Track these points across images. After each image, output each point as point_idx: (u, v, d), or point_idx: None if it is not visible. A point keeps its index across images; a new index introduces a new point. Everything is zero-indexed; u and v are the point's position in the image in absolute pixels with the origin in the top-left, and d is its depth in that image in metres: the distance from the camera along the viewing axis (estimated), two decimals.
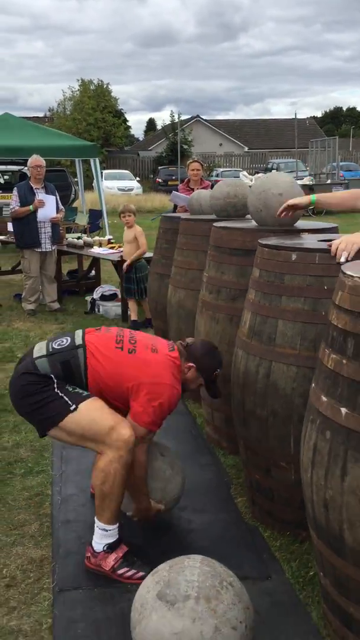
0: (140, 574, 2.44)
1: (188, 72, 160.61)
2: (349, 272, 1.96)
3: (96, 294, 7.41)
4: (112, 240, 8.33)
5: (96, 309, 7.33)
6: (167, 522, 2.88)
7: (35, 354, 2.60)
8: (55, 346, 2.60)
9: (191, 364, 2.68)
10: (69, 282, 8.56)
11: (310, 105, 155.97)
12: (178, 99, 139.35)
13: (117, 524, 2.54)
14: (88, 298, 7.57)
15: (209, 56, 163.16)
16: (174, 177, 27.26)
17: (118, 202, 18.06)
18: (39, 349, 2.62)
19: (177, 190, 7.03)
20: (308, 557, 2.60)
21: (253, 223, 3.57)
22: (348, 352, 1.90)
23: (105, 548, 2.52)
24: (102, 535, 2.52)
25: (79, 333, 2.69)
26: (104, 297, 7.32)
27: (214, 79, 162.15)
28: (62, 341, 2.63)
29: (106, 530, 2.52)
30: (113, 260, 7.20)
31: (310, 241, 2.80)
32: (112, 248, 7.74)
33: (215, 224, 3.59)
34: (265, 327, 2.67)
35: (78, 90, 38.42)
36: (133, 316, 6.59)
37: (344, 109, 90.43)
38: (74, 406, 2.47)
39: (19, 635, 2.23)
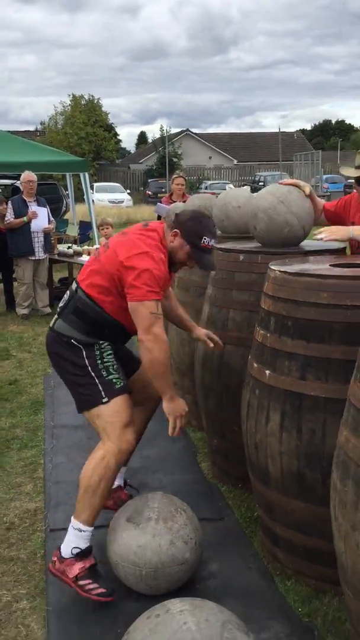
0: (101, 590, 2.38)
1: (180, 86, 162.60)
2: (273, 267, 2.54)
3: None
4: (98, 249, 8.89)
5: None
6: (143, 482, 3.43)
7: (52, 323, 2.71)
8: (61, 304, 2.71)
9: (175, 230, 2.63)
10: (60, 289, 9.11)
11: (300, 117, 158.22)
12: (170, 112, 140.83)
13: (92, 528, 2.49)
14: None
15: (200, 70, 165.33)
16: (163, 190, 27.93)
17: (108, 214, 18.60)
18: (54, 319, 2.72)
19: (161, 202, 7.63)
20: (254, 504, 3.16)
21: (218, 232, 4.15)
22: (270, 327, 2.48)
23: (74, 553, 2.45)
24: (75, 537, 2.46)
25: (74, 283, 2.74)
26: None
27: (205, 93, 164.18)
28: (64, 297, 2.72)
29: (80, 531, 2.46)
30: None
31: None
32: None
33: None
34: (220, 315, 3.25)
35: (69, 104, 39.21)
36: None
37: (333, 121, 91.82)
38: (106, 399, 2.52)
39: (17, 561, 2.78)
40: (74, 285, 2.69)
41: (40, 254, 7.80)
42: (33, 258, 7.78)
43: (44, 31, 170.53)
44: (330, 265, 2.58)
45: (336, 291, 2.26)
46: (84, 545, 2.45)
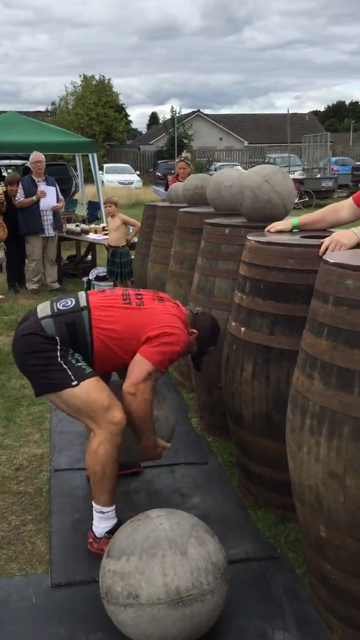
0: None
1: (192, 66, 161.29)
2: (249, 237, 2.89)
3: (92, 275, 8.36)
4: (106, 228, 9.25)
5: (91, 288, 8.27)
6: None
7: (40, 314, 2.63)
8: (60, 307, 2.64)
9: (194, 330, 2.83)
10: (68, 265, 9.51)
11: (314, 99, 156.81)
12: (182, 92, 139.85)
13: (114, 506, 2.62)
14: (84, 279, 8.52)
15: (213, 50, 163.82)
16: (172, 171, 28.08)
17: (118, 195, 18.88)
18: (43, 309, 2.66)
19: (168, 182, 7.99)
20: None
21: (212, 209, 4.50)
22: (246, 290, 2.84)
23: (106, 534, 2.59)
24: (100, 519, 2.60)
25: (82, 295, 2.72)
26: (98, 278, 8.26)
27: (218, 73, 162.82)
28: (67, 302, 2.66)
29: (103, 513, 2.60)
30: (106, 244, 8.15)
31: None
32: (106, 235, 8.67)
33: (180, 209, 4.53)
34: (207, 283, 3.61)
35: (80, 85, 39.32)
36: None
37: (347, 103, 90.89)
38: (75, 382, 2.52)
39: (25, 495, 3.18)
40: (82, 301, 2.66)
41: (49, 231, 8.17)
42: (43, 235, 8.15)
43: (57, 10, 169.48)
44: (302, 237, 2.92)
45: (300, 258, 2.61)
46: (111, 523, 2.60)
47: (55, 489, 3.20)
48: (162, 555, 2.04)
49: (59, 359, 2.56)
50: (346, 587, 2.07)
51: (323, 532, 2.08)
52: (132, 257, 7.33)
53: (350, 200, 2.77)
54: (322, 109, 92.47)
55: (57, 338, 2.57)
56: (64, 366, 2.55)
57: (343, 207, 2.80)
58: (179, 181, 7.85)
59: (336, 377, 1.98)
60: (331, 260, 2.08)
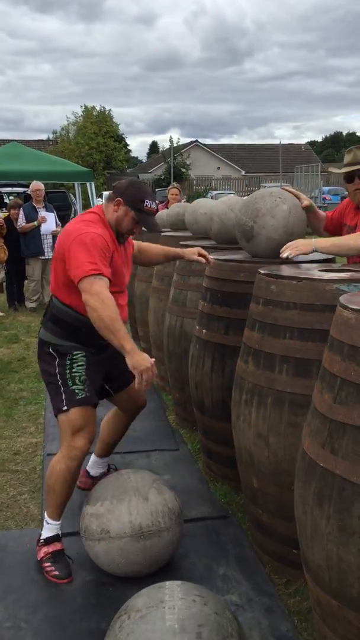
0: (55, 572, 2.66)
1: (193, 96, 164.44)
2: (211, 257, 3.50)
3: None
4: None
5: None
6: None
7: (38, 332, 2.92)
8: (44, 315, 2.92)
9: (117, 199, 2.72)
10: None
11: (313, 129, 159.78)
12: (182, 122, 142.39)
13: (58, 522, 2.77)
14: None
15: (214, 80, 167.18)
16: None
17: None
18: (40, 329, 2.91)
19: (157, 210, 8.61)
20: None
21: (189, 233, 5.13)
22: (207, 299, 3.44)
23: (42, 541, 2.77)
24: (45, 527, 2.78)
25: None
26: None
27: (218, 103, 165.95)
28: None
29: (47, 523, 2.77)
30: None
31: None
32: None
33: (162, 234, 5.15)
34: (181, 296, 4.22)
35: (81, 115, 40.52)
36: None
37: (344, 133, 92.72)
38: (65, 407, 2.69)
39: (21, 473, 3.74)
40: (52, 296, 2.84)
41: (49, 253, 8.81)
42: (42, 258, 8.79)
43: (60, 40, 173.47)
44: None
45: (249, 272, 3.21)
46: (48, 534, 2.76)
47: (47, 468, 3.76)
48: (129, 500, 2.60)
49: (58, 377, 2.72)
50: (272, 527, 2.63)
51: (255, 483, 2.65)
52: None
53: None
54: (320, 139, 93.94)
55: (51, 350, 2.75)
56: (61, 388, 2.71)
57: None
58: (168, 208, 8.50)
59: (263, 360, 2.57)
60: (262, 272, 2.68)
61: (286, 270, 2.69)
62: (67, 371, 2.72)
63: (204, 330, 3.44)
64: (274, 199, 3.26)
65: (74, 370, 2.73)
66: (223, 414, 3.35)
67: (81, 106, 45.03)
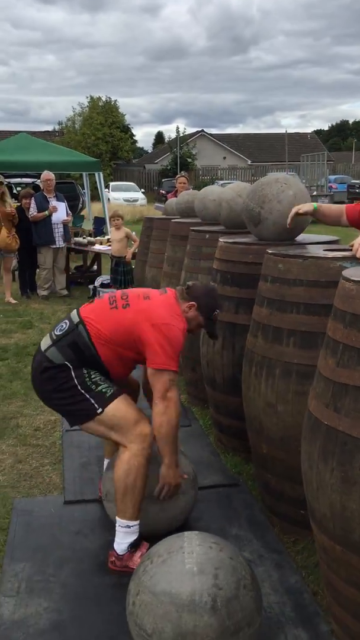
0: None
1: (198, 85, 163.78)
2: (221, 239, 3.67)
3: (97, 283, 9.17)
4: (110, 240, 10.08)
5: (97, 294, 9.08)
6: None
7: (43, 347, 2.72)
8: (58, 332, 2.72)
9: (192, 303, 2.81)
10: (75, 275, 10.33)
11: (319, 117, 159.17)
12: (188, 111, 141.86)
13: (139, 521, 2.62)
14: (90, 286, 9.33)
15: (219, 69, 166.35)
16: (175, 189, 29.02)
17: (123, 211, 19.86)
18: (45, 342, 2.74)
19: (167, 198, 8.82)
20: None
21: (199, 219, 5.30)
22: (217, 280, 3.62)
23: (129, 548, 2.62)
24: (125, 534, 2.61)
25: (74, 313, 2.78)
26: (103, 285, 9.07)
27: (224, 92, 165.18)
28: (62, 326, 2.73)
29: (129, 527, 2.61)
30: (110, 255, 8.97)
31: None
32: (109, 246, 9.49)
33: (172, 220, 5.33)
34: (192, 279, 4.39)
35: (87, 106, 40.59)
36: None
37: (350, 122, 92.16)
38: (100, 410, 2.60)
39: (42, 447, 3.94)
40: (75, 318, 2.72)
41: (60, 242, 9.01)
42: (54, 246, 8.98)
43: (65, 31, 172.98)
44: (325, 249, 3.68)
45: (257, 253, 3.38)
46: (134, 537, 2.62)
47: (66, 442, 3.97)
48: None
49: (79, 387, 2.62)
50: (281, 489, 2.82)
51: (264, 449, 2.84)
52: (133, 266, 8.14)
53: (344, 210, 3.06)
54: (326, 127, 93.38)
55: (67, 363, 2.64)
56: (86, 395, 2.61)
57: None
58: (177, 197, 8.68)
59: (272, 334, 2.75)
60: (270, 251, 2.86)
61: (293, 250, 2.87)
62: (87, 379, 2.65)
63: None
64: (279, 185, 3.43)
65: (92, 376, 2.67)
66: (233, 389, 3.53)
67: (87, 97, 45.14)
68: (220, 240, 3.67)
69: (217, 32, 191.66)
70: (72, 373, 2.63)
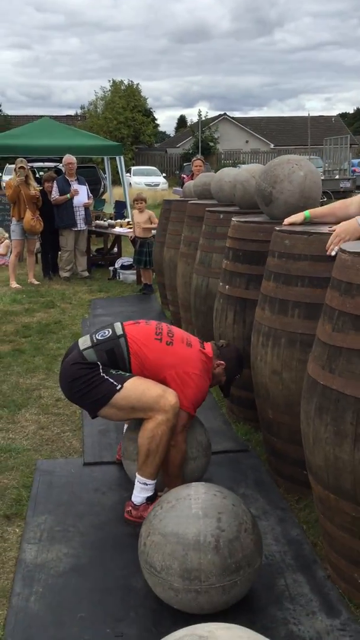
0: None
1: (222, 68, 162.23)
2: (233, 219, 3.84)
3: (117, 265, 9.38)
4: (130, 223, 10.27)
5: (117, 276, 9.30)
6: None
7: (82, 346, 2.89)
8: (99, 337, 2.89)
9: (222, 362, 3.05)
10: (96, 257, 10.56)
11: (345, 100, 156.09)
12: (211, 95, 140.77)
13: (155, 480, 2.84)
14: (111, 268, 9.55)
15: (243, 52, 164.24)
16: None
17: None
18: (84, 342, 2.92)
19: (184, 181, 8.97)
20: None
21: (215, 201, 5.46)
22: (230, 257, 3.79)
23: (146, 500, 2.84)
24: (142, 489, 2.83)
25: (118, 325, 2.96)
26: (123, 267, 9.28)
27: (248, 75, 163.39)
28: (105, 333, 2.91)
29: (146, 485, 2.82)
30: (131, 237, 9.15)
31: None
32: (130, 229, 9.69)
33: (189, 202, 5.49)
34: (207, 258, 4.57)
35: (109, 90, 40.64)
36: (145, 280, 8.52)
37: None
38: (119, 386, 2.74)
39: (63, 415, 4.17)
40: (119, 330, 2.91)
41: (81, 225, 9.22)
42: (75, 229, 9.20)
43: (88, 14, 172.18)
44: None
45: (267, 232, 3.54)
46: (151, 493, 2.86)
47: (87, 427, 4.19)
48: None
49: (101, 373, 2.80)
50: (285, 452, 3.01)
51: (270, 414, 3.03)
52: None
53: (359, 197, 2.95)
54: (351, 111, 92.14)
55: (99, 363, 2.82)
56: (106, 377, 2.78)
57: (352, 202, 2.95)
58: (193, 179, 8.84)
59: (278, 306, 2.93)
60: (277, 228, 3.02)
61: (299, 227, 3.03)
62: (110, 370, 2.83)
63: (227, 286, 3.80)
64: (291, 166, 3.57)
65: (116, 370, 2.85)
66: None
67: (109, 80, 45.15)
68: (233, 219, 3.83)
69: (242, 14, 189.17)
70: (100, 369, 2.82)
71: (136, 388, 2.75)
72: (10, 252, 9.49)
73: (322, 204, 3.46)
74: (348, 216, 2.82)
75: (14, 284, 8.75)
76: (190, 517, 2.18)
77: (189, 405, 2.84)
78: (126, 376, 2.79)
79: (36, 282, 8.98)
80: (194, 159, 9.09)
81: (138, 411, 2.77)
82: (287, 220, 3.14)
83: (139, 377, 2.80)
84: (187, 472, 2.98)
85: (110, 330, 2.91)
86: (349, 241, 2.55)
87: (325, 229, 2.98)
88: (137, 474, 2.84)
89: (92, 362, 2.80)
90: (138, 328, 2.93)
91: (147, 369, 2.84)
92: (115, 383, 2.75)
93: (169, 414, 2.73)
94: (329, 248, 2.65)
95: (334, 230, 2.64)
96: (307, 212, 3.13)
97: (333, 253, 2.59)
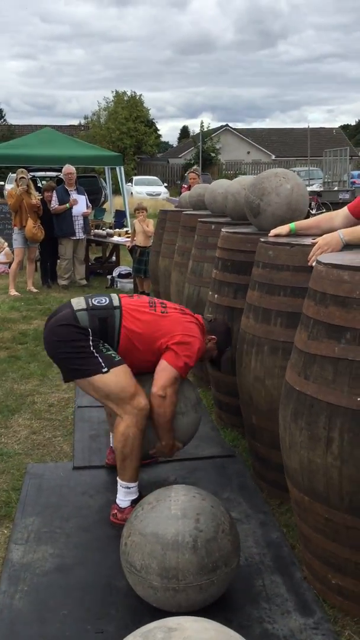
0: None
1: (225, 79, 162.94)
2: (223, 230, 3.93)
3: (115, 273, 9.48)
4: (128, 233, 10.38)
5: (115, 285, 9.40)
6: None
7: (75, 306, 2.87)
8: (95, 303, 2.89)
9: (213, 337, 3.16)
10: (94, 265, 10.66)
11: (347, 112, 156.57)
12: (214, 106, 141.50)
13: (137, 482, 2.90)
14: (109, 276, 9.65)
15: (246, 63, 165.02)
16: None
17: (145, 205, 20.22)
18: (78, 302, 2.90)
19: (181, 191, 9.10)
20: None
21: (209, 212, 5.56)
22: (219, 267, 3.88)
23: (130, 503, 2.88)
24: (126, 493, 2.89)
25: (115, 296, 2.99)
26: (121, 275, 9.38)
27: (251, 86, 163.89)
28: (102, 300, 2.92)
29: (129, 488, 2.88)
30: (128, 246, 9.26)
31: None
32: (127, 238, 9.79)
33: (184, 212, 5.60)
34: (198, 268, 4.66)
35: (112, 100, 40.97)
36: (143, 289, 8.62)
37: None
38: (106, 369, 2.75)
39: (56, 420, 4.26)
40: (115, 302, 2.93)
41: (80, 234, 9.33)
42: (74, 238, 9.31)
43: (93, 25, 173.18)
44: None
45: (254, 243, 3.64)
46: (135, 496, 2.90)
47: (78, 417, 4.28)
48: (149, 386, 2.88)
49: (91, 347, 2.78)
50: (268, 457, 3.09)
51: (254, 420, 3.11)
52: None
53: (345, 209, 2.93)
54: (354, 122, 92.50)
55: (90, 329, 2.80)
56: (95, 354, 2.77)
57: (338, 215, 2.96)
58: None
59: (261, 315, 3.02)
60: (262, 240, 3.11)
61: (283, 238, 3.12)
62: (100, 345, 2.82)
63: (215, 295, 3.89)
64: (278, 179, 3.67)
65: (105, 346, 2.84)
66: (231, 368, 3.80)
67: (112, 91, 45.51)
68: (223, 230, 3.93)
69: (245, 26, 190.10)
70: (90, 337, 2.80)
71: (118, 381, 2.77)
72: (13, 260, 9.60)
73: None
74: (332, 229, 2.86)
75: (12, 292, 8.85)
76: (169, 517, 2.26)
77: (182, 365, 2.86)
78: (115, 361, 2.80)
79: (35, 290, 9.08)
80: (189, 171, 9.24)
81: (110, 401, 2.81)
82: (273, 232, 3.21)
83: (124, 368, 2.81)
84: (176, 428, 2.95)
85: (107, 299, 2.94)
86: (329, 253, 2.63)
87: (308, 240, 3.07)
88: (118, 479, 2.92)
89: (84, 327, 2.80)
90: (133, 301, 2.98)
91: (136, 341, 2.87)
92: (103, 365, 2.76)
93: (139, 417, 2.79)
94: (310, 259, 2.73)
95: (316, 242, 2.73)
96: (292, 225, 3.20)
97: (314, 264, 2.56)
